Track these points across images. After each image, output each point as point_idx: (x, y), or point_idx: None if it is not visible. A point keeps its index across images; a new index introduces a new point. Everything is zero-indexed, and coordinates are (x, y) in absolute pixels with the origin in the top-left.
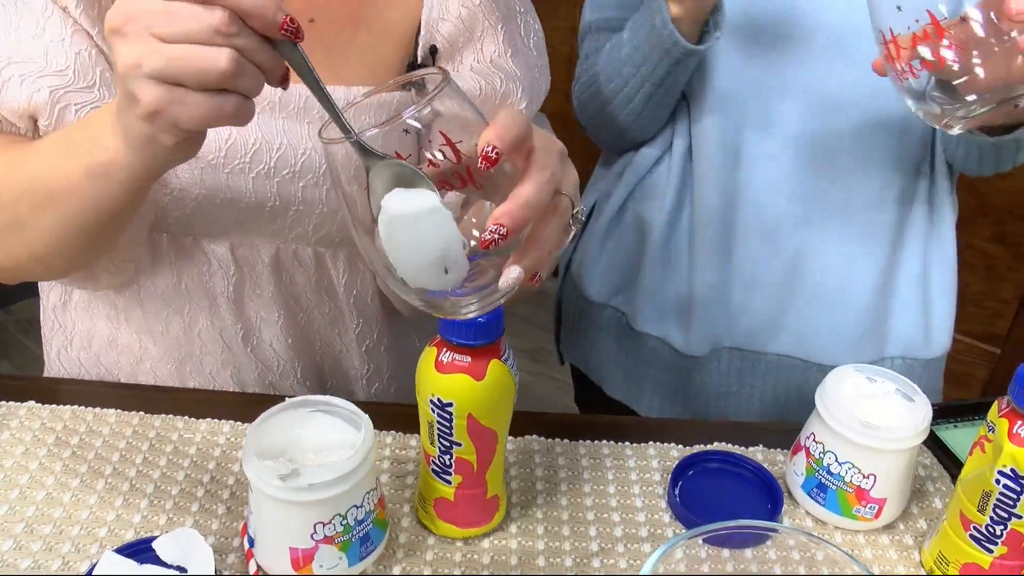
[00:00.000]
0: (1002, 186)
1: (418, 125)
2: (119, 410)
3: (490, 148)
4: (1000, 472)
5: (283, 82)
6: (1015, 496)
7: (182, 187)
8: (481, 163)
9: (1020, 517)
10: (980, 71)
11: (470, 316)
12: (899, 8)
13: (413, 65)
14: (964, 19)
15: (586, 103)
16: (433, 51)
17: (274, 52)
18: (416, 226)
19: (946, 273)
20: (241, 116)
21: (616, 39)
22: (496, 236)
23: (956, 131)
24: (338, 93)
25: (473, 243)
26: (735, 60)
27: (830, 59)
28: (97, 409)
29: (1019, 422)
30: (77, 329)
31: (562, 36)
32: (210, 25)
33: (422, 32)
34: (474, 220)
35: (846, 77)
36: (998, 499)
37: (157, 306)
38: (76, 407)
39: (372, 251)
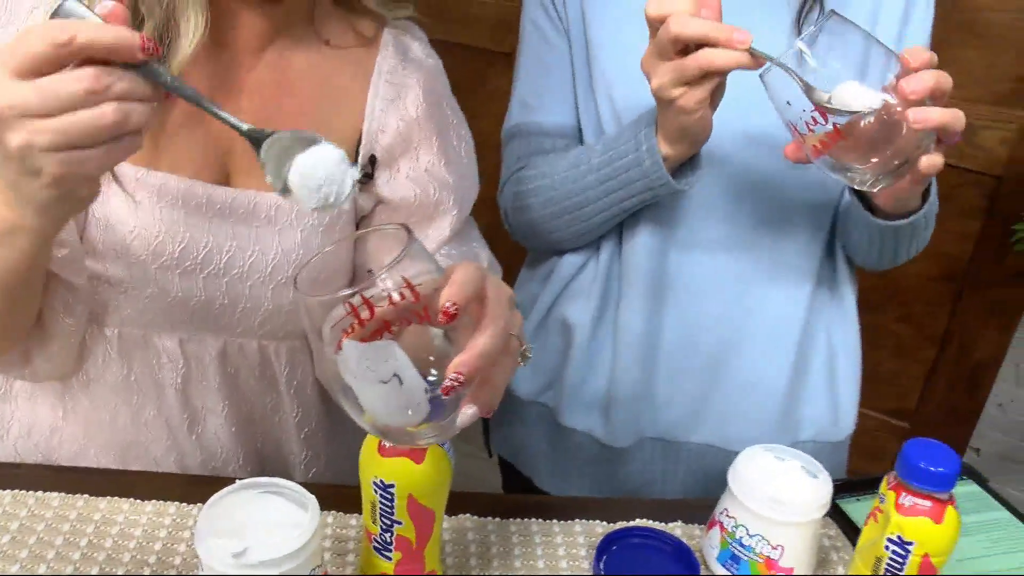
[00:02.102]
0: (908, 271)
1: (390, 284)
2: (63, 493)
3: (450, 304)
4: (889, 539)
5: (165, 99)
6: (902, 560)
7: (135, 286)
8: (441, 318)
9: None
10: (870, 153)
11: (422, 446)
12: (788, 103)
13: None
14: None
15: (520, 212)
16: (372, 160)
17: (146, 81)
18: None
19: (850, 357)
20: (137, 147)
21: (578, 157)
22: (456, 384)
23: (879, 188)
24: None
25: (432, 380)
26: None
27: (749, 162)
28: (39, 492)
29: (903, 494)
30: (16, 418)
31: (497, 123)
32: (83, 89)
33: (363, 142)
34: (431, 359)
35: (764, 180)
36: (888, 563)
37: (106, 396)
38: (16, 491)
39: (331, 372)
